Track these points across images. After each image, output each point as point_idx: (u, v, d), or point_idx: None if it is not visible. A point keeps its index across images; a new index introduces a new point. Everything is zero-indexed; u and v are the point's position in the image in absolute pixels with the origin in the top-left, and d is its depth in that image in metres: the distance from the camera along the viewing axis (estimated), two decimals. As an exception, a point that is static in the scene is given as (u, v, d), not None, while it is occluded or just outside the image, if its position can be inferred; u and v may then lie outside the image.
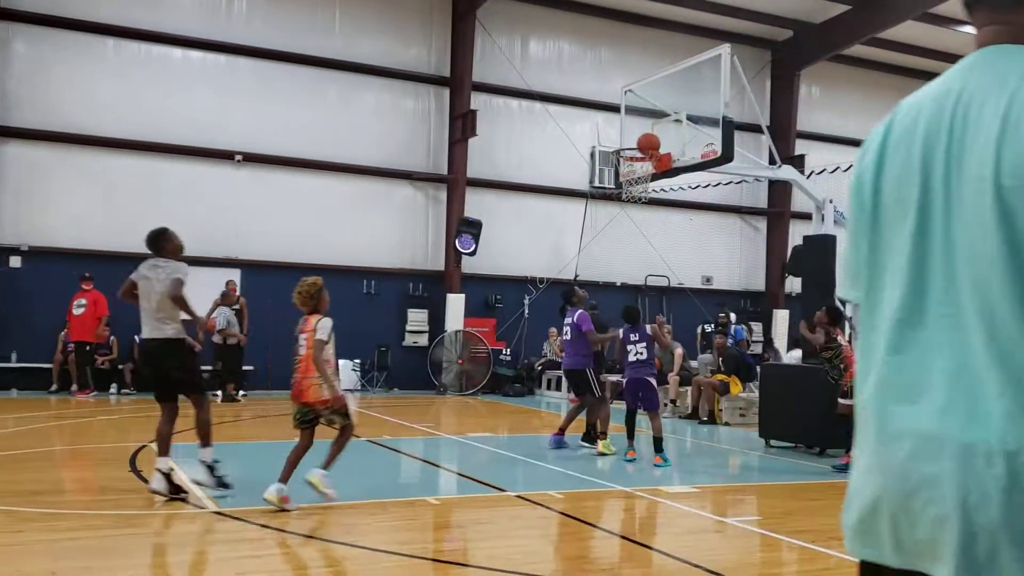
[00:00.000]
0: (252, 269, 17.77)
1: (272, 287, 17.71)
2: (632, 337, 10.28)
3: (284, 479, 6.87)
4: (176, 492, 7.10)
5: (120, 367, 16.54)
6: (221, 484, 7.30)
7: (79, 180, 16.77)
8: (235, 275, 17.30)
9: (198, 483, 7.35)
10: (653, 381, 10.36)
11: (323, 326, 6.94)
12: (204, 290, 16.93)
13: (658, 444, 9.98)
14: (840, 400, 9.61)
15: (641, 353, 10.23)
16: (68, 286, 15.86)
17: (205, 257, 17.49)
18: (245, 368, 16.92)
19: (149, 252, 7.42)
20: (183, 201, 17.33)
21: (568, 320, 10.81)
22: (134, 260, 17.50)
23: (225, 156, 17.78)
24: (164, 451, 7.28)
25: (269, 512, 6.78)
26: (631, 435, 10.19)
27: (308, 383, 6.93)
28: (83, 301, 15.59)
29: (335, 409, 6.99)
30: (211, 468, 7.29)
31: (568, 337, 10.83)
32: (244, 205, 17.88)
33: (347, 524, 6.63)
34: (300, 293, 7.16)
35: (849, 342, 10.27)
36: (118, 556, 5.55)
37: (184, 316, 7.25)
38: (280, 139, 18.18)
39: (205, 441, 7.35)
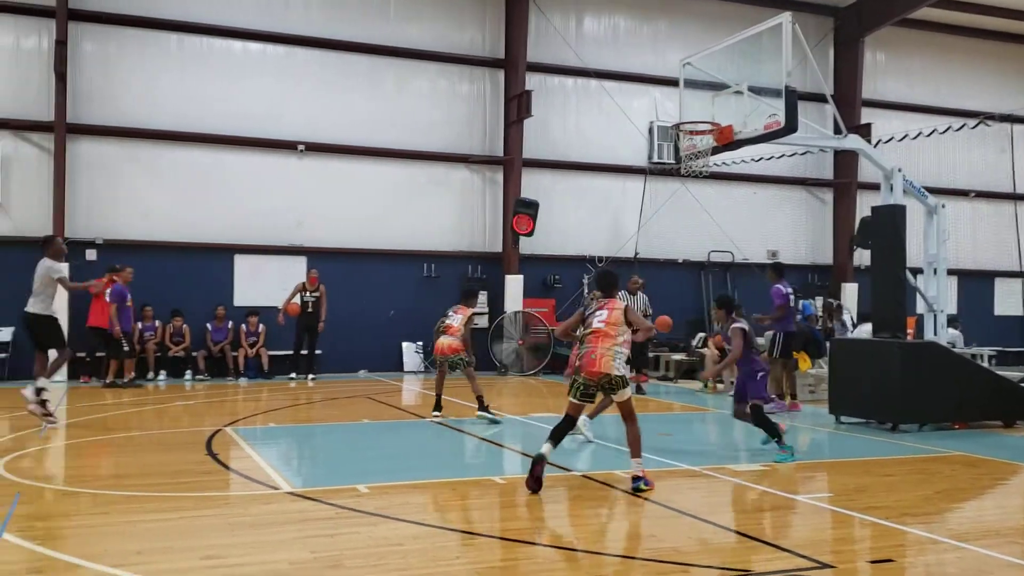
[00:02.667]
0: (317, 256, 18.05)
1: (337, 273, 18.03)
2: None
3: (592, 415, 9.48)
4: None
5: (194, 354, 16.97)
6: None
7: (147, 174, 17.19)
8: (301, 263, 17.63)
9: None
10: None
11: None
12: (272, 278, 17.44)
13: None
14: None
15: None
16: (141, 278, 16.25)
17: (271, 246, 17.89)
18: (316, 352, 17.28)
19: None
20: (248, 192, 17.70)
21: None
22: (202, 251, 18.00)
23: (287, 146, 18.04)
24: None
25: (341, 492, 6.92)
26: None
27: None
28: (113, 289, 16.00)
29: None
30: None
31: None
32: (307, 194, 18.15)
33: (416, 503, 6.73)
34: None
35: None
36: (197, 536, 5.73)
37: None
38: (339, 127, 18.39)
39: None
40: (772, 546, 5.66)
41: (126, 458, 8.82)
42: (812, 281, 22.47)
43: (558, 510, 6.89)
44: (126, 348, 15.51)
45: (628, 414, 7.45)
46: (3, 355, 15.54)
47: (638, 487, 7.16)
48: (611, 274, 8.09)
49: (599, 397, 8.03)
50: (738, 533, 6.04)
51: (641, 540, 5.96)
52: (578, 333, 7.60)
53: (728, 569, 5.16)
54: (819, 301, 21.54)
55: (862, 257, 21.73)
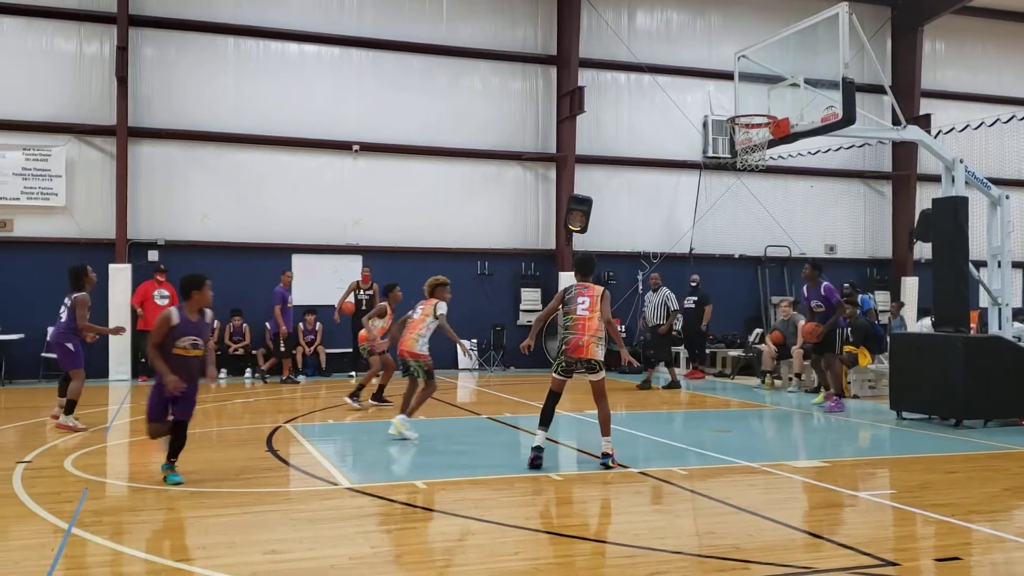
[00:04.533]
0: (372, 255, 18.22)
1: (391, 272, 18.16)
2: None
3: (409, 413, 9.88)
4: None
5: (253, 352, 17.25)
6: None
7: (206, 175, 17.53)
8: (356, 262, 17.80)
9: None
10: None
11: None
12: (328, 277, 17.65)
13: None
14: None
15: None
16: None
17: (327, 245, 18.11)
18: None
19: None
20: (305, 192, 17.96)
21: None
22: (261, 251, 18.24)
23: (343, 147, 18.25)
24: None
25: (399, 488, 6.99)
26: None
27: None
28: (165, 292, 16.54)
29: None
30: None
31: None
32: (362, 193, 18.35)
33: (474, 499, 6.76)
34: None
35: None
36: (260, 531, 5.83)
37: None
38: (394, 127, 18.54)
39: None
40: (834, 543, 5.58)
41: (189, 455, 8.95)
42: (871, 275, 22.08)
43: (616, 506, 6.88)
44: (282, 348, 16.40)
45: (600, 394, 8.02)
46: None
47: (606, 464, 7.83)
48: (589, 259, 8.51)
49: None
50: (799, 530, 5.96)
51: (700, 537, 5.91)
52: (560, 319, 8.17)
53: (790, 566, 5.10)
54: (879, 295, 21.22)
55: (923, 251, 21.26)
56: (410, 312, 10.22)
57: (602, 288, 8.11)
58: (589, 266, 8.37)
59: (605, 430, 7.99)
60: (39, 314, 16.22)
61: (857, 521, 6.41)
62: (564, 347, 7.97)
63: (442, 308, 10.00)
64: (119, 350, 16.46)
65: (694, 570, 5.09)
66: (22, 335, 15.85)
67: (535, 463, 7.83)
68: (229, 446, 9.42)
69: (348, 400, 12.46)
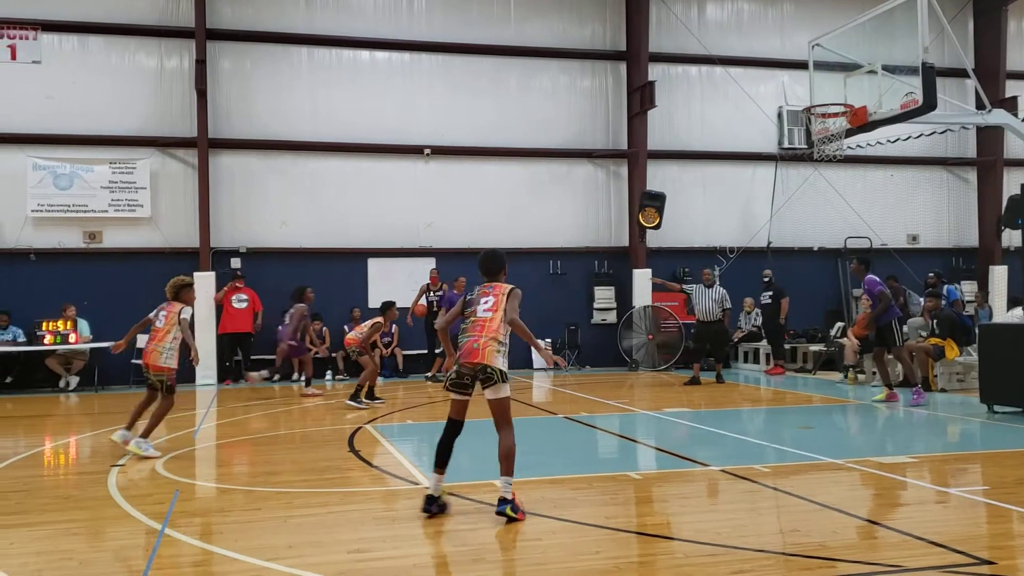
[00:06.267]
0: (445, 257, 18.39)
1: (464, 273, 18.30)
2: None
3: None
4: None
5: (333, 355, 17.57)
6: None
7: (284, 183, 17.92)
8: (430, 264, 17.98)
9: None
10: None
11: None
12: (403, 280, 17.86)
13: None
14: None
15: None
16: (280, 284, 16.96)
17: (401, 248, 18.34)
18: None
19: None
20: (379, 196, 18.23)
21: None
22: (338, 256, 18.54)
23: (414, 151, 18.47)
24: None
25: (479, 487, 7.04)
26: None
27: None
28: (244, 296, 17.04)
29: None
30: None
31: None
32: (434, 196, 18.54)
33: (553, 499, 6.77)
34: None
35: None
36: (344, 530, 5.94)
37: None
38: (464, 130, 18.69)
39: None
40: (924, 541, 5.42)
41: (274, 456, 9.21)
42: (957, 265, 21.39)
43: (697, 505, 6.81)
44: (437, 350, 17.08)
45: (502, 417, 6.35)
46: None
47: (504, 511, 6.03)
48: (496, 255, 6.79)
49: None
50: (887, 527, 5.82)
51: (784, 535, 5.81)
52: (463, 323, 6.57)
53: (878, 564, 4.98)
54: (966, 286, 20.56)
55: (1011, 238, 20.54)
56: (150, 315, 9.26)
57: (511, 286, 6.59)
58: (493, 263, 6.72)
59: (505, 467, 6.20)
60: (129, 322, 16.73)
61: (948, 518, 6.22)
62: (459, 354, 6.42)
63: (186, 312, 9.10)
64: (203, 354, 16.84)
65: (778, 568, 5.00)
66: (112, 342, 16.38)
67: (429, 513, 6.23)
68: (313, 447, 9.62)
69: (349, 403, 12.95)
